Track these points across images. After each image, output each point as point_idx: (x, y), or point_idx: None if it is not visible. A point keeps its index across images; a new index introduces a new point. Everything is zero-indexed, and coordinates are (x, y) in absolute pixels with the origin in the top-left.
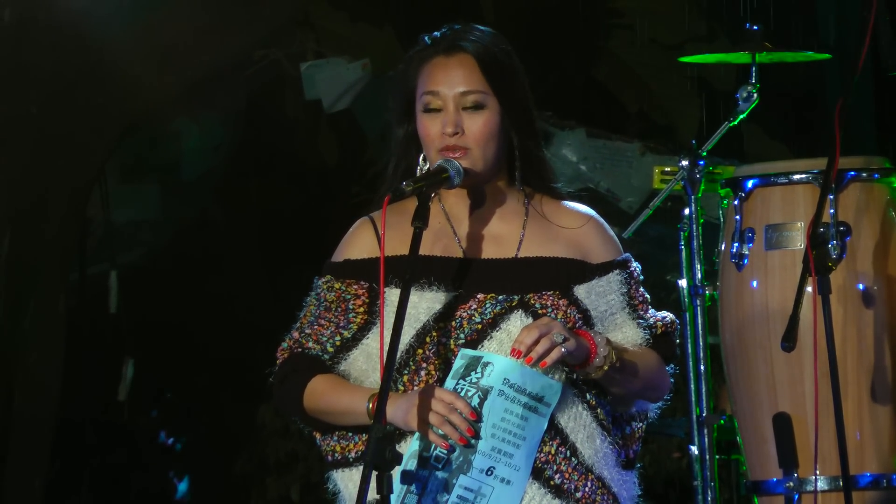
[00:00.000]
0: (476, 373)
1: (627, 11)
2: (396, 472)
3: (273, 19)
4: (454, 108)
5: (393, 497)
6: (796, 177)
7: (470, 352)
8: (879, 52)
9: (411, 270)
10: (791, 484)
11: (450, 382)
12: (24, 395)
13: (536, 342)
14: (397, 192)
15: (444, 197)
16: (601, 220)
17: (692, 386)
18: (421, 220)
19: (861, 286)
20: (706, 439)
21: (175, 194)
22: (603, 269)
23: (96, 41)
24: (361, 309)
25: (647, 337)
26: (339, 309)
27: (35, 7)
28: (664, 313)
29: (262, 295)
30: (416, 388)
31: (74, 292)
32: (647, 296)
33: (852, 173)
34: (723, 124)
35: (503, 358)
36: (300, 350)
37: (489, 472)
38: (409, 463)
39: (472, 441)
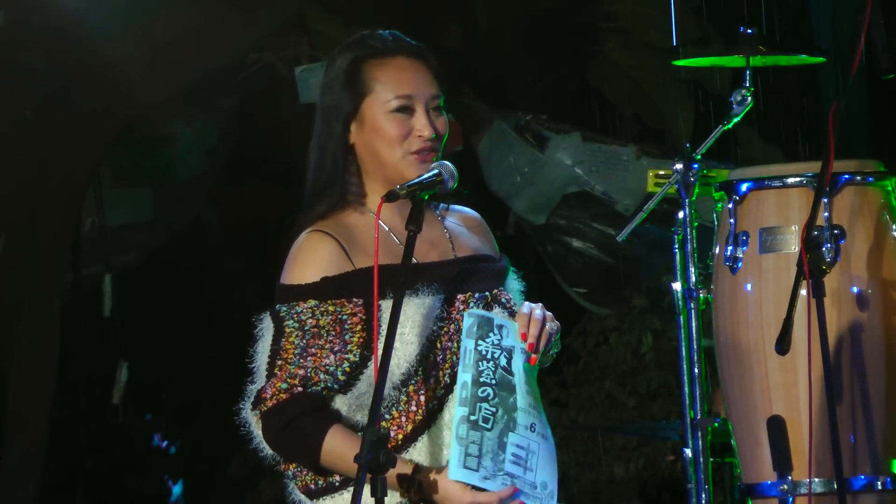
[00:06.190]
0: (494, 334)
1: (621, 15)
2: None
3: (268, 23)
4: (424, 110)
5: (453, 460)
6: (790, 180)
7: (478, 312)
8: (873, 56)
9: (405, 275)
10: (785, 487)
11: (468, 342)
12: (18, 398)
13: (540, 333)
14: (391, 195)
15: (380, 210)
16: None
17: (686, 389)
18: (415, 223)
19: (855, 289)
20: (700, 442)
21: (169, 197)
22: (507, 264)
23: (91, 44)
24: (359, 327)
25: None
26: (334, 332)
27: (29, 10)
28: None
29: (255, 298)
30: (421, 396)
31: (68, 295)
32: None
33: (846, 177)
34: (717, 128)
35: (512, 322)
36: (301, 389)
37: (532, 429)
38: (460, 428)
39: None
